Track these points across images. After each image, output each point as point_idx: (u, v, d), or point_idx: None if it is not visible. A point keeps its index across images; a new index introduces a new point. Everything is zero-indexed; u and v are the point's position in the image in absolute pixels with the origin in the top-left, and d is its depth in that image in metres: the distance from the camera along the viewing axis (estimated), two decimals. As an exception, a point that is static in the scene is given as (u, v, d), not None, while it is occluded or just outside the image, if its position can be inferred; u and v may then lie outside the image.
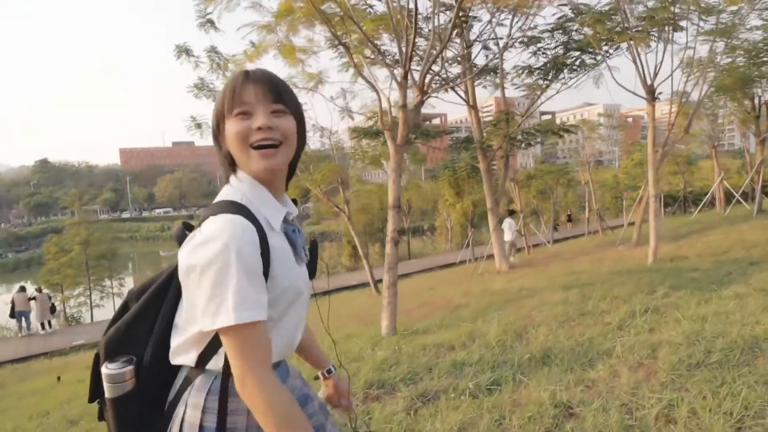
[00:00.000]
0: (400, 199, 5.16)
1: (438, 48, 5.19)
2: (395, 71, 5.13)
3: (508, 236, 12.68)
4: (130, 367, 0.98)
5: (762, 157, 13.58)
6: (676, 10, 7.06)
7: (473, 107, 11.56)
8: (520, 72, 11.73)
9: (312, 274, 1.11)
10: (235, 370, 0.88)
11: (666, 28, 9.04)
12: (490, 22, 10.95)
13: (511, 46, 11.45)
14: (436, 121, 74.98)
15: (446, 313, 6.19)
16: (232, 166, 1.01)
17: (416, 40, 5.25)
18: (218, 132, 1.02)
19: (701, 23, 7.61)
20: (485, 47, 10.98)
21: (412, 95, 5.19)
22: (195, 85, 11.00)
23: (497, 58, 11.47)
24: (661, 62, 7.14)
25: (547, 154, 67.34)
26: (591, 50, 10.23)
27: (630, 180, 27.57)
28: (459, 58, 11.02)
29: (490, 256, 12.63)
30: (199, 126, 12.15)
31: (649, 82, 7.09)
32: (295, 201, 1.12)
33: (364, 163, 14.77)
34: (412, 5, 4.77)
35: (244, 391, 0.87)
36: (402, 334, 4.92)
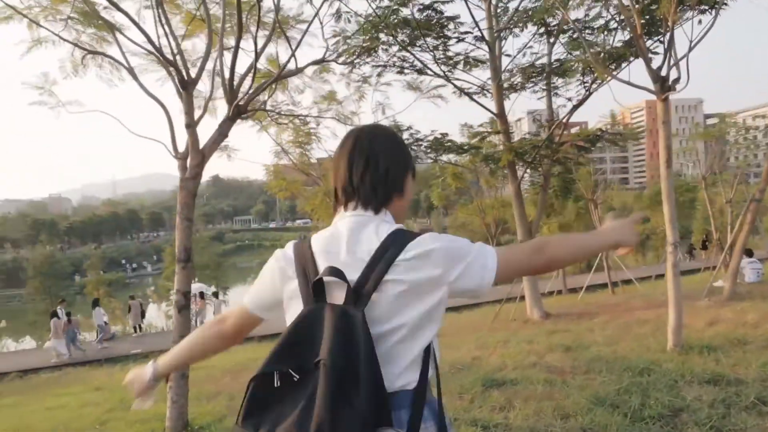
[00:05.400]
0: (191, 251, 3.79)
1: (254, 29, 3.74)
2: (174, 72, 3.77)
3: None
4: None
5: None
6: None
7: (499, 116, 9.43)
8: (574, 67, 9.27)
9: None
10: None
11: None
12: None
13: (560, 34, 9.23)
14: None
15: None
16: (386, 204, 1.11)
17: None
18: (404, 180, 1.15)
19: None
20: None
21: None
22: None
23: (533, 52, 9.28)
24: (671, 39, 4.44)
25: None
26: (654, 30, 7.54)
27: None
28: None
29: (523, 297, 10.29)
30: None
31: (656, 66, 4.49)
32: None
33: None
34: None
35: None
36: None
